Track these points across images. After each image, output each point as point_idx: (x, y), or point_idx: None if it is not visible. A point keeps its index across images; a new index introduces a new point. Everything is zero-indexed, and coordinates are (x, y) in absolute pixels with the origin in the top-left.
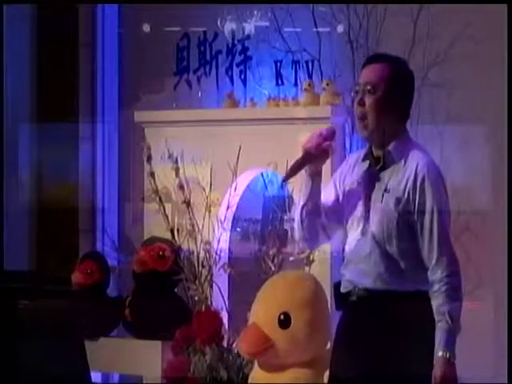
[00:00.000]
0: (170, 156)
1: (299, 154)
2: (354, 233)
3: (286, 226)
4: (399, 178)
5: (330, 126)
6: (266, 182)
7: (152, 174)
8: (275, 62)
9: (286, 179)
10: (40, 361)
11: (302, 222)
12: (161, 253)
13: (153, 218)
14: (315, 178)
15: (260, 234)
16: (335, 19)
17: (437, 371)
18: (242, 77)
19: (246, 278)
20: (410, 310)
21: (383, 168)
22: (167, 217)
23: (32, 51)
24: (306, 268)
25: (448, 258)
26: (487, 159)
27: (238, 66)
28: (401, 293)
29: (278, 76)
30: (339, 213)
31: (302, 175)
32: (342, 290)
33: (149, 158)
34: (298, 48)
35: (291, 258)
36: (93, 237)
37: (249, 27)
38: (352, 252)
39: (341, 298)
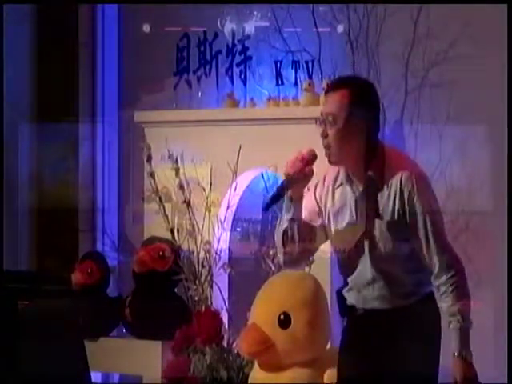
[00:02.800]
0: (170, 156)
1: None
2: (352, 261)
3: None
4: (385, 198)
5: (310, 149)
6: (266, 182)
7: (152, 174)
8: (275, 62)
9: (267, 208)
10: (40, 361)
11: (283, 246)
12: (161, 253)
13: (153, 217)
14: (297, 201)
15: (260, 234)
16: (335, 19)
17: (456, 372)
18: (242, 77)
19: (246, 277)
20: (415, 318)
21: (367, 192)
22: (167, 217)
23: (32, 51)
24: (306, 268)
25: (450, 260)
26: (487, 159)
27: (238, 65)
28: (407, 307)
29: (278, 76)
30: (325, 234)
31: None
32: (347, 302)
33: (149, 158)
34: (298, 48)
35: None
36: (93, 237)
37: (249, 27)
38: (354, 279)
39: (345, 306)
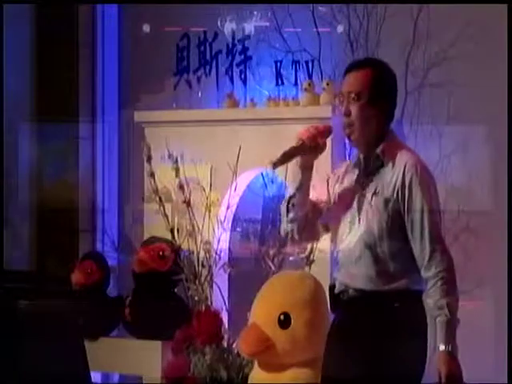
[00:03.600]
0: (170, 156)
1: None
2: (344, 237)
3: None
4: (388, 179)
5: (326, 124)
6: (266, 182)
7: (152, 174)
8: (275, 62)
9: (275, 165)
10: (40, 361)
11: (287, 213)
12: (161, 253)
13: (153, 218)
14: (305, 171)
15: (260, 234)
16: (335, 19)
17: (441, 366)
18: (242, 77)
19: (246, 277)
20: (400, 310)
21: (372, 172)
22: (167, 217)
23: (32, 51)
24: (306, 268)
25: (441, 254)
26: (487, 159)
27: (238, 65)
28: (392, 293)
29: (278, 76)
30: (328, 215)
31: (294, 167)
32: (336, 291)
33: (149, 158)
34: (298, 48)
35: (291, 258)
36: (93, 237)
37: (249, 27)
38: (343, 256)
39: (335, 299)
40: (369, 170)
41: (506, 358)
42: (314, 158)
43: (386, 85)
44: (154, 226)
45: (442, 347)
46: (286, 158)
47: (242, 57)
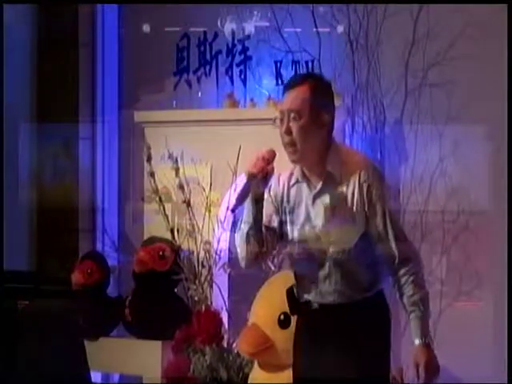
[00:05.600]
0: (170, 156)
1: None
2: (308, 256)
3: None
4: (344, 193)
5: (269, 149)
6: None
7: (152, 174)
8: (275, 62)
9: (234, 209)
10: (40, 361)
11: (247, 243)
12: (161, 253)
13: (153, 217)
14: (258, 202)
15: None
16: (335, 19)
17: (418, 358)
18: (242, 77)
19: (246, 278)
20: (368, 311)
21: (324, 188)
22: (167, 217)
23: (32, 51)
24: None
25: (408, 252)
26: (487, 159)
27: (238, 65)
28: (362, 301)
29: (278, 76)
30: (283, 234)
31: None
32: (301, 299)
33: (149, 158)
34: (298, 48)
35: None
36: (93, 237)
37: (249, 27)
38: (309, 274)
39: (296, 303)
40: (320, 184)
41: (506, 358)
42: (265, 187)
43: (324, 98)
44: (154, 226)
45: (418, 341)
46: (242, 199)
47: (242, 57)
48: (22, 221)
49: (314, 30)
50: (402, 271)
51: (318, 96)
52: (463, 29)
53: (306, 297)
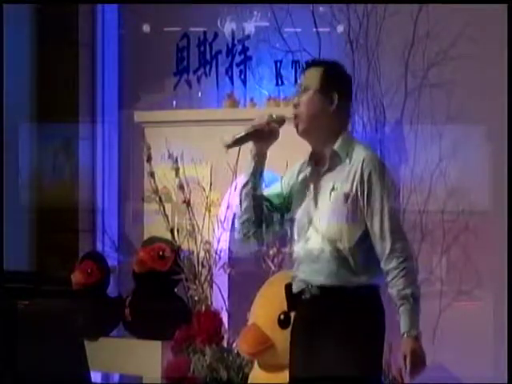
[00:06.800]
0: (170, 156)
1: (299, 155)
2: (303, 234)
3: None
4: (345, 174)
5: (280, 114)
6: (266, 181)
7: (152, 174)
8: (275, 62)
9: (229, 147)
10: (40, 361)
11: (240, 202)
12: (161, 253)
13: (153, 218)
14: (259, 158)
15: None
16: (335, 19)
17: (406, 350)
18: (242, 77)
19: (246, 277)
20: (361, 304)
21: (329, 169)
22: (167, 217)
23: (32, 51)
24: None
25: (402, 245)
26: (487, 159)
27: (238, 65)
28: (353, 288)
29: (278, 76)
30: (282, 209)
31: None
32: (295, 290)
33: (149, 158)
34: (298, 48)
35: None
36: (93, 237)
37: (249, 27)
38: (304, 253)
39: (293, 298)
40: (326, 166)
41: (506, 358)
42: (268, 146)
43: (337, 80)
44: (154, 226)
45: (406, 333)
46: (239, 141)
47: (242, 57)
48: (21, 221)
49: (314, 29)
50: (393, 264)
51: (330, 77)
52: (463, 29)
53: (299, 275)
